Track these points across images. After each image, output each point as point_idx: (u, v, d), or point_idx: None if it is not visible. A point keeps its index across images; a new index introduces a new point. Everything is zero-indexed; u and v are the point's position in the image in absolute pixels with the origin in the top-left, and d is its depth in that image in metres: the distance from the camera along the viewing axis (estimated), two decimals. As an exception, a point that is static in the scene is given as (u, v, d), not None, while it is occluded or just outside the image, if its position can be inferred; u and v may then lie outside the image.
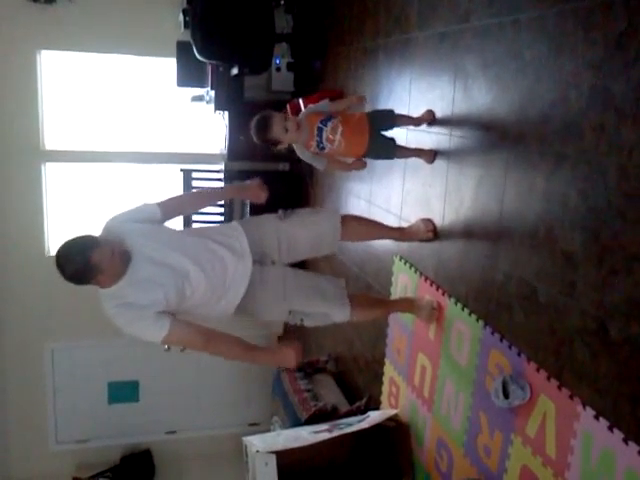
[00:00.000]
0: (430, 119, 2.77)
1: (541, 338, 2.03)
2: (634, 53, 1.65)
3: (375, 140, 2.65)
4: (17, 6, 4.55)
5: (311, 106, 2.69)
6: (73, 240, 2.16)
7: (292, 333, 5.00)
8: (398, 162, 3.07)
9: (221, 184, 5.15)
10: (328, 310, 2.58)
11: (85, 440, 5.58)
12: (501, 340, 2.25)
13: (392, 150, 2.75)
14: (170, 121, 5.41)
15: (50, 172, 5.16)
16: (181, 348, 3.75)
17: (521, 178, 2.16)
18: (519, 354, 2.15)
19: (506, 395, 2.13)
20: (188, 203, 2.74)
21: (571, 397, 1.89)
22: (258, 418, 5.77)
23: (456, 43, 2.61)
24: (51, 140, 5.09)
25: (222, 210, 5.16)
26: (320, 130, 2.58)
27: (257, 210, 4.27)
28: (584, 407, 1.84)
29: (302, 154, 2.67)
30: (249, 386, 5.80)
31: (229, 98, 4.77)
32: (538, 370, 2.04)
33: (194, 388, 5.78)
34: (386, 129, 2.73)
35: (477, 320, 2.41)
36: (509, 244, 2.22)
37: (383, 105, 3.35)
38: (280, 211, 2.68)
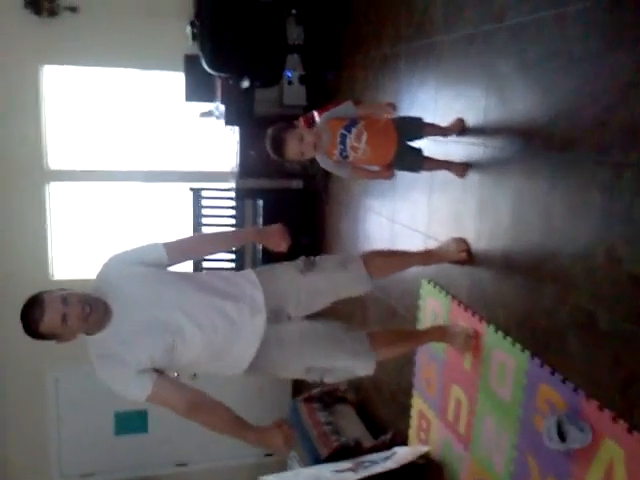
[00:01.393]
0: (460, 128, 2.53)
1: (604, 372, 1.77)
2: None
3: (401, 150, 2.43)
4: (19, 19, 4.39)
5: (333, 110, 2.46)
6: (23, 307, 1.93)
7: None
8: (424, 176, 2.82)
9: (232, 203, 4.94)
10: (350, 365, 2.32)
11: (91, 474, 5.31)
12: (552, 373, 1.99)
13: (419, 162, 2.51)
14: (178, 138, 5.21)
15: (55, 192, 4.96)
16: (192, 374, 3.50)
17: (572, 191, 1.91)
18: (575, 390, 1.88)
19: (562, 437, 1.86)
20: (200, 247, 2.39)
21: (645, 444, 1.62)
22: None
23: (488, 45, 2.39)
24: (55, 159, 4.90)
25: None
26: (343, 137, 2.37)
27: (276, 215, 4.02)
28: (662, 456, 1.57)
29: (324, 163, 2.47)
30: (264, 414, 5.46)
31: (239, 113, 4.57)
32: (601, 409, 1.78)
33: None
34: (413, 139, 2.49)
35: (522, 350, 2.15)
36: (559, 266, 1.96)
37: (406, 113, 3.13)
38: (300, 261, 2.37)
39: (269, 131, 2.33)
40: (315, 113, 3.90)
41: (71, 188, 5.03)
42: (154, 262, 2.14)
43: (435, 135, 2.62)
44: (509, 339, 2.23)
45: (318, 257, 2.41)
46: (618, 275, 1.71)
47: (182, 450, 5.47)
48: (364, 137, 2.36)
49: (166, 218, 5.15)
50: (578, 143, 1.89)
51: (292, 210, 4.71)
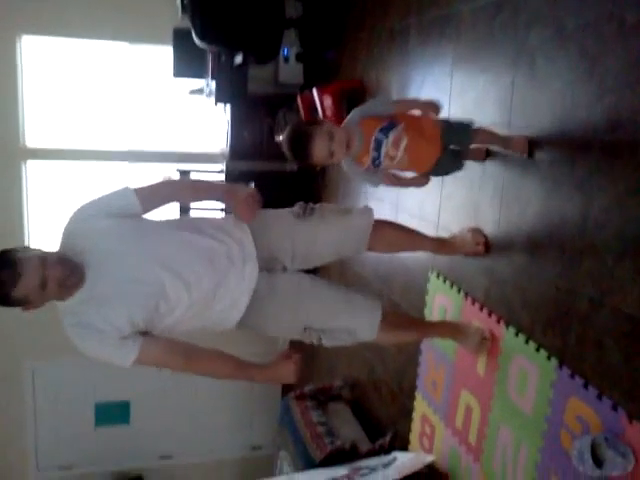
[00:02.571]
0: (526, 149, 2.01)
1: (651, 390, 1.55)
2: None
3: (443, 157, 2.03)
4: (-6, -16, 4.07)
5: (366, 105, 2.02)
6: None
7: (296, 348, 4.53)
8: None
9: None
10: (354, 324, 2.08)
11: (69, 467, 5.08)
12: (585, 386, 1.76)
13: (459, 163, 2.12)
14: (166, 116, 4.91)
15: (32, 170, 4.65)
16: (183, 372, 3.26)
17: (618, 176, 1.67)
18: (614, 407, 1.66)
19: (597, 461, 1.64)
20: (172, 194, 2.10)
21: (703, 475, 1.40)
22: (261, 442, 5.30)
23: (517, 13, 2.13)
24: (33, 136, 4.58)
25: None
26: (379, 143, 1.94)
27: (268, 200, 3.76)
28: None
29: (351, 170, 2.05)
30: (252, 406, 5.32)
31: (231, 90, 4.29)
32: (646, 432, 1.56)
33: (191, 408, 5.26)
34: (458, 145, 2.09)
35: (548, 357, 1.92)
36: (597, 263, 1.73)
37: (414, 95, 2.88)
38: (298, 206, 2.15)
39: (288, 128, 1.93)
40: (315, 91, 3.65)
41: (51, 167, 4.72)
42: (126, 212, 1.90)
43: (490, 144, 2.18)
44: (532, 344, 2.00)
45: (318, 204, 2.18)
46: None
47: (166, 442, 5.27)
48: (403, 143, 1.94)
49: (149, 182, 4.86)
50: (625, 126, 1.65)
51: (286, 194, 4.42)
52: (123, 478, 5.16)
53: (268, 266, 2.07)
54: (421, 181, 2.15)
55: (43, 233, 4.75)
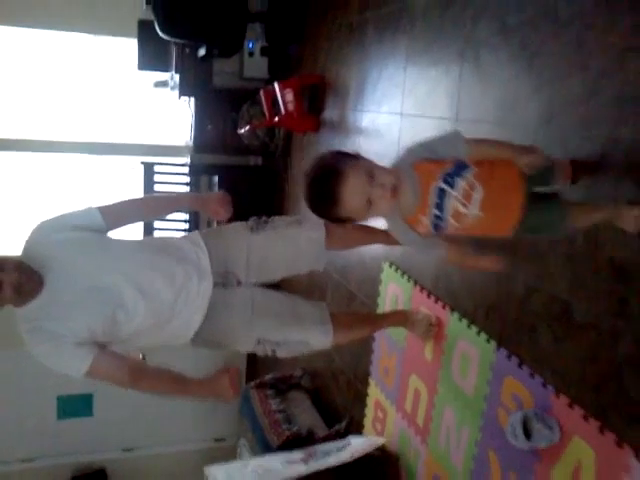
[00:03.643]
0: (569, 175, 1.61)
1: (576, 367, 1.65)
2: None
3: (532, 207, 1.40)
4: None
5: (425, 143, 1.42)
6: None
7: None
8: (389, 149, 2.68)
9: (186, 179, 4.69)
10: (305, 337, 2.14)
11: (31, 459, 5.03)
12: (520, 366, 1.87)
13: (561, 219, 1.47)
14: (131, 109, 4.91)
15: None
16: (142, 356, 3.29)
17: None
18: (544, 385, 1.76)
19: (527, 434, 1.74)
20: (136, 211, 2.18)
21: (619, 444, 1.51)
22: (224, 433, 5.32)
23: (466, 7, 2.21)
24: (-4, 127, 4.55)
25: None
26: (441, 194, 1.36)
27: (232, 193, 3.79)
28: (637, 457, 1.46)
29: (399, 232, 1.46)
30: (216, 404, 5.34)
31: (196, 83, 4.31)
32: (571, 406, 1.66)
33: (154, 401, 5.23)
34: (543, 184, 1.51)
35: (488, 340, 2.02)
36: (533, 251, 1.83)
37: (371, 90, 2.96)
38: (252, 220, 2.20)
39: (310, 165, 1.39)
40: (276, 85, 3.70)
41: (11, 158, 4.69)
42: (90, 226, 1.95)
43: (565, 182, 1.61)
44: (474, 328, 2.10)
45: (271, 218, 2.22)
46: (599, 262, 1.58)
47: (129, 434, 5.25)
48: (477, 195, 1.36)
49: (116, 193, 4.86)
50: (558, 117, 1.75)
51: (249, 188, 4.49)
52: (86, 470, 5.14)
53: (224, 281, 2.11)
54: (496, 264, 1.57)
55: (4, 227, 4.71)
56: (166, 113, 4.92)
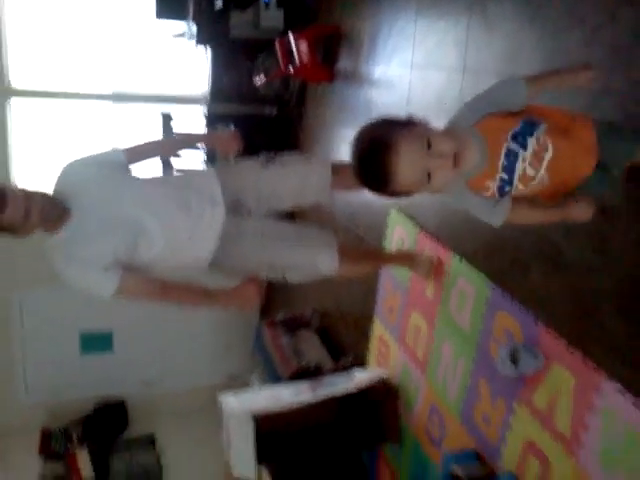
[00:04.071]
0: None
1: (563, 302, 1.82)
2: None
3: (595, 175, 1.34)
4: None
5: (486, 94, 1.30)
6: None
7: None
8: (398, 101, 2.80)
9: (203, 128, 4.82)
10: (314, 259, 2.31)
11: (57, 392, 5.35)
12: (512, 302, 2.04)
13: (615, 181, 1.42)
14: (150, 58, 5.01)
15: (17, 109, 4.76)
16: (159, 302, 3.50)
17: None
18: (533, 318, 1.94)
19: (514, 362, 1.93)
20: (154, 148, 2.42)
21: (595, 369, 1.69)
22: (239, 370, 5.60)
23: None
24: (18, 77, 4.67)
25: (204, 155, 4.81)
26: (511, 156, 1.25)
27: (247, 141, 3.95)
28: (610, 380, 1.64)
29: (464, 202, 1.35)
30: (230, 336, 5.60)
31: (213, 32, 4.40)
32: (556, 338, 1.84)
33: (172, 338, 5.55)
34: (612, 161, 1.37)
35: (485, 279, 2.20)
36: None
37: (383, 42, 3.06)
38: (262, 156, 2.38)
39: (360, 134, 1.22)
40: (291, 36, 3.79)
41: (35, 105, 4.83)
42: (113, 163, 2.16)
43: None
44: (473, 268, 2.27)
45: (281, 154, 2.41)
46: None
47: (148, 370, 5.55)
48: (547, 155, 1.25)
49: (135, 141, 5.00)
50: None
51: (264, 137, 4.61)
52: (107, 403, 5.46)
53: (235, 211, 2.30)
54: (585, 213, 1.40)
55: (26, 171, 4.89)
56: (185, 63, 5.01)
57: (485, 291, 2.18)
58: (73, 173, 2.12)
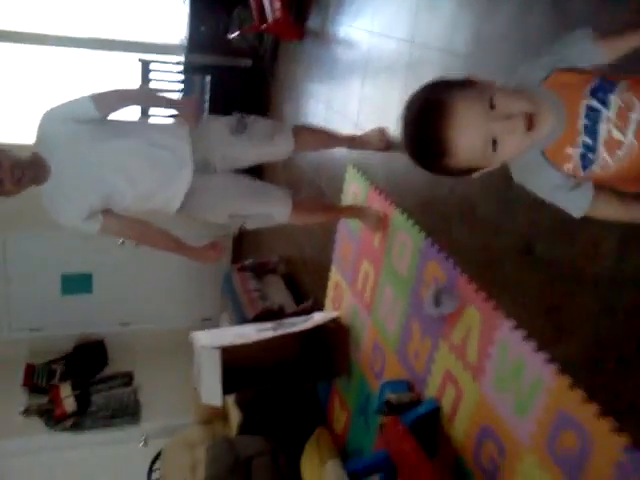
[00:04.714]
0: None
1: (476, 252, 2.10)
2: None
3: None
4: None
5: (553, 49, 1.10)
6: None
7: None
8: (359, 61, 2.99)
9: (180, 77, 4.96)
10: (268, 209, 2.61)
11: (38, 329, 5.63)
12: (439, 252, 2.32)
13: None
14: (128, 5, 5.08)
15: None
16: (136, 243, 3.77)
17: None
18: (454, 266, 2.22)
19: (437, 304, 2.22)
20: (125, 100, 2.52)
21: (496, 309, 1.98)
22: (211, 313, 5.90)
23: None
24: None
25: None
26: (593, 116, 1.02)
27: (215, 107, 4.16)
28: (506, 318, 1.93)
29: (534, 176, 1.09)
30: (202, 282, 5.86)
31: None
32: (470, 282, 2.12)
33: (148, 282, 5.81)
34: None
35: (420, 231, 2.46)
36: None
37: (349, 3, 3.22)
38: (234, 117, 2.61)
39: (410, 98, 1.02)
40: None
41: (10, 50, 4.91)
42: (86, 117, 2.33)
43: None
44: (411, 222, 2.53)
45: (252, 118, 2.64)
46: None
47: (125, 311, 5.83)
48: (635, 115, 1.01)
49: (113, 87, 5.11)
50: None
51: (239, 88, 4.78)
52: (86, 341, 5.75)
53: (202, 167, 2.56)
54: None
55: (2, 118, 5.01)
56: (163, 11, 5.09)
57: (419, 243, 2.45)
58: (49, 127, 2.31)
